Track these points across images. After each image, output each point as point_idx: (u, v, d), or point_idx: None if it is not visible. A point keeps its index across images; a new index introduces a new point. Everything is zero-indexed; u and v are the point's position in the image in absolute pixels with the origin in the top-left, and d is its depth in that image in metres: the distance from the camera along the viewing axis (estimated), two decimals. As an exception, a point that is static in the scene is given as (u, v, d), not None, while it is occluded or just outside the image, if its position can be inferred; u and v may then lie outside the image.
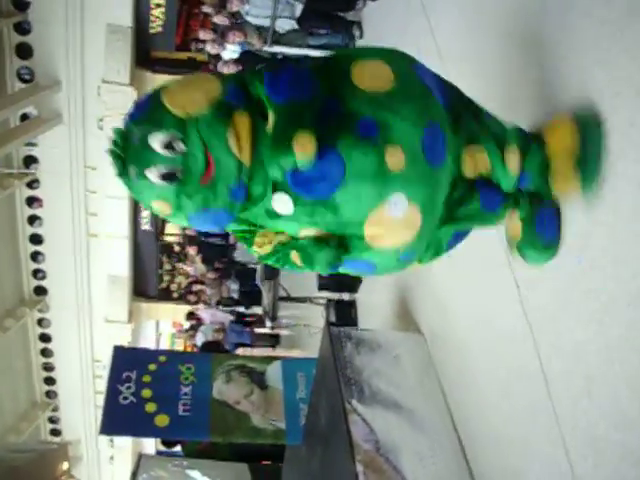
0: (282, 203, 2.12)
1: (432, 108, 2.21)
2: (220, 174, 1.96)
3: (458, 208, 2.35)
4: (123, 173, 1.96)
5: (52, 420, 19.49)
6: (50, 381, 18.74)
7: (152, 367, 6.16)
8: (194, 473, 7.61)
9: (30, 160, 15.69)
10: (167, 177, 1.93)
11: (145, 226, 16.46)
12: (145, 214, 16.28)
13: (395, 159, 2.07)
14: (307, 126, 2.01)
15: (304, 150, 1.97)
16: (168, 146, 1.92)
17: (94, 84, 14.57)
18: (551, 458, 2.88)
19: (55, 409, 19.24)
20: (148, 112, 2.00)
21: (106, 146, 2.00)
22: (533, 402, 3.05)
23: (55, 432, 19.64)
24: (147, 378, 6.06)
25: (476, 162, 2.36)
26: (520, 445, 3.23)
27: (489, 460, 3.63)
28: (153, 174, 1.92)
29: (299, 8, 8.15)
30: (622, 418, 2.33)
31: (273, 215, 2.19)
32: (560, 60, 2.91)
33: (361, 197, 2.08)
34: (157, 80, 15.06)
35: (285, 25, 8.25)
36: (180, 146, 1.92)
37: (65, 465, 17.68)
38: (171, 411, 5.84)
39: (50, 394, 19.00)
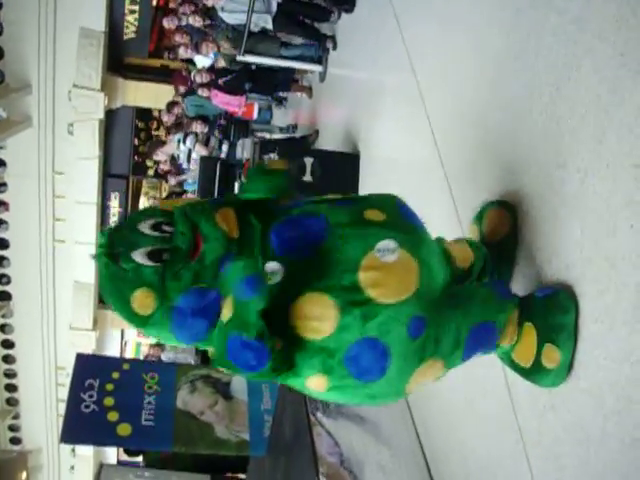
0: (273, 271, 2.05)
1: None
2: (208, 247, 1.93)
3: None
4: (109, 262, 1.92)
5: (12, 428, 19.17)
6: (12, 388, 18.46)
7: (115, 375, 6.09)
8: (155, 484, 7.53)
9: (-3, 163, 15.53)
10: (153, 256, 1.91)
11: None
12: (113, 220, 16.16)
13: (373, 214, 2.14)
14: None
15: None
16: (156, 228, 1.95)
17: (65, 88, 14.46)
18: (514, 473, 2.88)
19: (16, 417, 18.94)
20: (136, 212, 2.14)
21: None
22: (498, 416, 3.05)
23: (15, 440, 19.32)
24: (110, 386, 5.98)
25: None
26: (484, 459, 3.23)
27: (452, 473, 3.63)
28: (139, 254, 1.90)
29: (274, 4, 8.13)
30: (584, 434, 2.34)
31: None
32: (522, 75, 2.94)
33: (348, 241, 2.05)
34: (129, 86, 15.01)
35: (260, 21, 8.20)
36: (167, 228, 1.95)
37: (24, 474, 17.43)
38: (134, 420, 5.76)
39: (11, 401, 18.70)
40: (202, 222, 1.96)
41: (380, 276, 2.01)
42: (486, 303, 2.32)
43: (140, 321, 1.96)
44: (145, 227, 1.94)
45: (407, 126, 4.87)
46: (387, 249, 2.05)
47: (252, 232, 2.04)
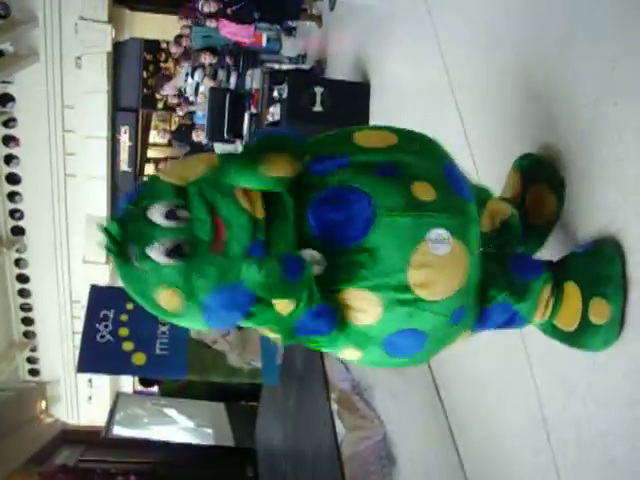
0: (313, 260, 1.79)
1: (444, 154, 2.09)
2: (232, 235, 1.70)
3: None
4: (123, 263, 1.72)
5: (30, 360, 19.48)
6: (28, 321, 18.68)
7: (129, 306, 6.17)
8: (171, 411, 7.68)
9: (6, 98, 15.39)
10: (173, 252, 1.68)
11: (124, 167, 16.28)
12: (125, 156, 16.12)
13: (422, 189, 1.87)
14: None
15: None
16: (170, 216, 1.70)
17: (71, 21, 14.26)
18: (523, 393, 2.93)
19: (33, 349, 19.24)
20: (144, 190, 1.80)
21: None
22: (509, 347, 3.07)
23: (34, 372, 19.66)
24: (124, 317, 6.07)
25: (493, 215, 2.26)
26: (491, 381, 3.28)
27: (461, 395, 3.68)
28: (156, 251, 1.68)
29: None
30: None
31: None
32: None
33: (398, 232, 1.82)
34: (136, 18, 14.78)
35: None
36: (183, 213, 1.70)
37: (43, 404, 17.80)
38: (148, 350, 5.87)
39: (28, 334, 18.95)
40: (219, 202, 1.72)
41: (430, 275, 1.85)
42: (510, 287, 2.13)
43: (169, 315, 1.81)
44: (157, 216, 1.70)
45: (417, 53, 4.80)
46: (439, 239, 1.85)
47: (283, 209, 1.81)
